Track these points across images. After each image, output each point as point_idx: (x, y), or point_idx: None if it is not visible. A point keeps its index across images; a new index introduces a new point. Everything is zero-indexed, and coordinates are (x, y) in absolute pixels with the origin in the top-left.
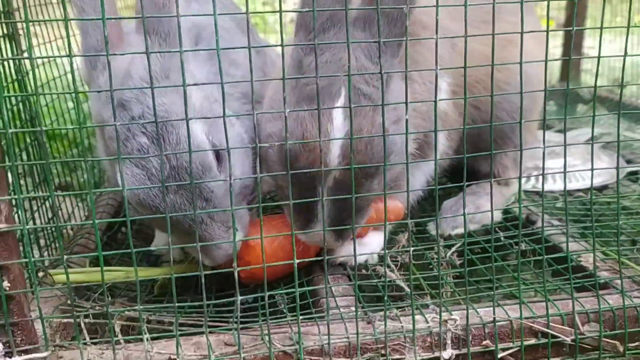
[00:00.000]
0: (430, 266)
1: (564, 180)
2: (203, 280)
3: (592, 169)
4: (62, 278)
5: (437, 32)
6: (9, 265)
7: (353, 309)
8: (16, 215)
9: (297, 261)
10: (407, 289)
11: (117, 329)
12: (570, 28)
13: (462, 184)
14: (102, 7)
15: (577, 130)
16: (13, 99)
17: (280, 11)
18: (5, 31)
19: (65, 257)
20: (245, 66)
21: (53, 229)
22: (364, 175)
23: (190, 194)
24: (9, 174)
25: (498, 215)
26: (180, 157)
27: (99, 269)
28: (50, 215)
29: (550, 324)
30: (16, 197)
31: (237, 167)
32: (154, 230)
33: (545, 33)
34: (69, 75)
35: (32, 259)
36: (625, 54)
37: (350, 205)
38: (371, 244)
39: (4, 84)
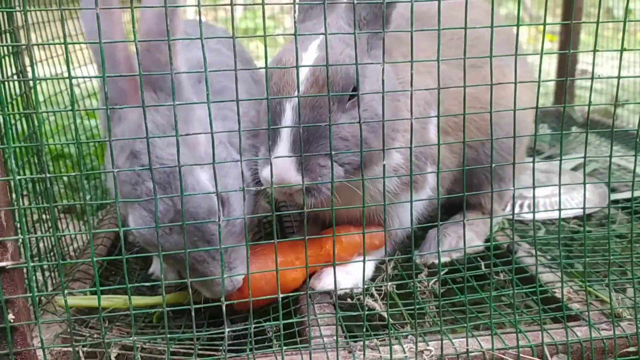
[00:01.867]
0: (413, 294)
1: (532, 215)
2: (194, 313)
3: (559, 210)
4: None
5: (412, 85)
6: (14, 299)
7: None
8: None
9: (281, 295)
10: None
11: (114, 356)
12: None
13: (439, 222)
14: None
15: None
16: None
17: (265, 35)
18: (9, 49)
19: (66, 292)
20: (246, 103)
21: (55, 249)
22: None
23: (191, 236)
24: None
25: (480, 244)
26: (186, 203)
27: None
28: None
29: (521, 355)
30: (22, 237)
31: (239, 209)
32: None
33: (535, 69)
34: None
35: (36, 294)
36: (589, 119)
37: (314, 135)
38: (355, 273)
39: (8, 101)
